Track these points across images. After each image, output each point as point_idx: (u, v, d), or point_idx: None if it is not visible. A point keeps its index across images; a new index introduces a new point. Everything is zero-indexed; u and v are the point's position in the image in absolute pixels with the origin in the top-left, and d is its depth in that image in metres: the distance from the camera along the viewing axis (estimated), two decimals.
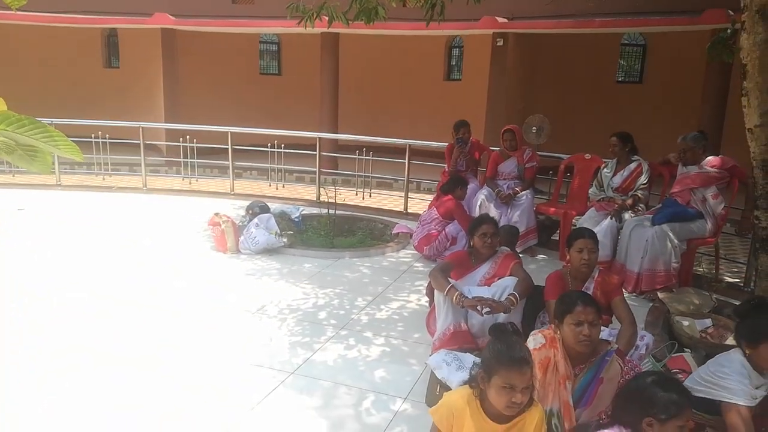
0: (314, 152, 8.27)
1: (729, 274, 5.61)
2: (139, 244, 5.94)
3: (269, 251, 5.71)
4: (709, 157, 4.93)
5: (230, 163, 8.53)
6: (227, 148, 8.54)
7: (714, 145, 7.78)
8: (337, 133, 10.79)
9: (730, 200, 4.95)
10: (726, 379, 2.44)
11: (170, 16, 10.91)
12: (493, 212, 5.85)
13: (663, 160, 5.40)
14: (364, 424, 2.98)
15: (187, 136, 9.61)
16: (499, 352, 2.13)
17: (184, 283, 4.92)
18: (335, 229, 6.26)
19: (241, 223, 5.94)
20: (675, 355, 3.33)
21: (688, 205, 4.85)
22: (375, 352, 3.78)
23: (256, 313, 4.34)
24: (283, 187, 9.62)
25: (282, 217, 6.16)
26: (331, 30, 9.59)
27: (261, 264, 5.49)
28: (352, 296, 4.72)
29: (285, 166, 9.70)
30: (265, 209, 6.11)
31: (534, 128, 9.04)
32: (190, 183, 9.61)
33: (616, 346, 2.73)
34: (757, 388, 2.45)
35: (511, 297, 3.38)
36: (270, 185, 9.62)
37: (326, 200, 6.32)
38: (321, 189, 7.85)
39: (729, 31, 4.54)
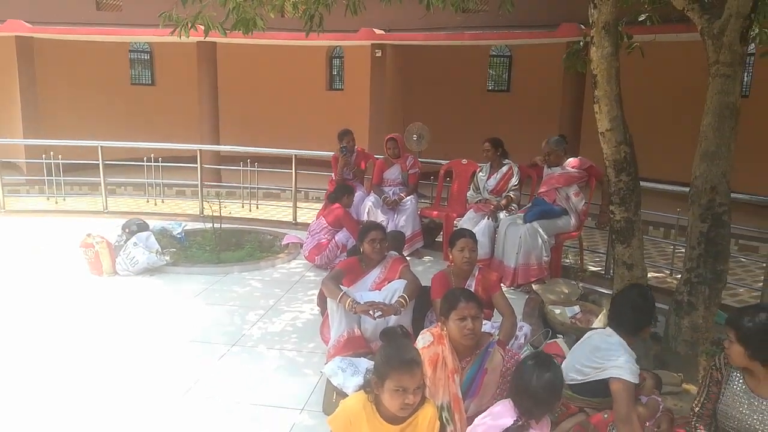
0: (195, 165, 7.97)
1: (592, 263, 6.20)
2: (2, 272, 5.38)
3: (150, 271, 5.42)
4: (570, 159, 5.43)
5: (102, 179, 7.96)
6: (98, 164, 7.97)
7: (573, 147, 8.55)
8: (219, 145, 10.48)
9: (589, 197, 5.48)
10: (617, 359, 2.61)
11: (25, 23, 9.99)
12: (381, 218, 6.01)
13: (530, 162, 5.86)
14: None
15: (51, 152, 8.86)
16: (389, 356, 2.20)
17: (58, 312, 4.53)
18: (222, 244, 6.07)
19: (117, 243, 5.58)
20: (549, 341, 3.63)
21: (555, 203, 5.30)
22: (269, 365, 3.73)
23: (141, 338, 4.10)
24: (163, 202, 9.17)
25: (163, 234, 5.88)
26: (207, 39, 9.33)
27: (142, 285, 5.20)
28: (243, 311, 4.62)
29: (164, 181, 9.24)
30: (144, 227, 5.79)
31: (415, 136, 9.41)
32: (56, 203, 8.87)
33: (498, 337, 2.93)
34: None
35: (401, 299, 3.49)
36: (148, 201, 9.12)
37: (210, 214, 6.11)
38: (204, 203, 7.58)
39: (581, 43, 5.00)
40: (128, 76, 12.85)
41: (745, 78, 9.72)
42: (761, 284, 4.86)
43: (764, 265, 4.81)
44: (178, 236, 6.09)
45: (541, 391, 2.22)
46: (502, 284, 4.05)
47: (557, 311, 4.20)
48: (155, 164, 8.96)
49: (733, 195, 3.66)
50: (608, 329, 2.80)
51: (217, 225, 6.12)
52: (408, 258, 5.40)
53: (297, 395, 3.35)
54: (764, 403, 2.28)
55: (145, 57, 13.08)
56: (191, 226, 6.78)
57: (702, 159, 3.62)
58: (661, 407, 2.79)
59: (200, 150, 8.02)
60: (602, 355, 2.67)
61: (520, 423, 2.17)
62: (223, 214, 6.32)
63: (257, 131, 12.18)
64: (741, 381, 2.38)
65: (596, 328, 3.40)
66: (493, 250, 5.35)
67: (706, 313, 3.62)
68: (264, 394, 3.37)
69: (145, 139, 9.39)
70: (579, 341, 2.95)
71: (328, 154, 6.96)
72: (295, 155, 7.67)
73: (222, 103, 11.03)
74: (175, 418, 3.11)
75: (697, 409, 2.50)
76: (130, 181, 9.66)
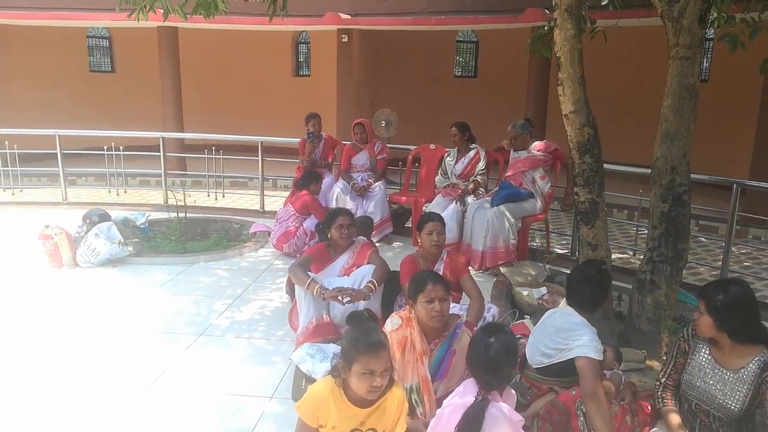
0: (158, 153, 7.78)
1: (559, 246, 6.30)
2: None
3: (113, 262, 5.28)
4: (536, 142, 5.47)
5: (60, 169, 7.72)
6: (56, 153, 7.72)
7: (540, 131, 8.64)
8: (183, 132, 10.26)
9: (554, 180, 5.54)
10: (581, 338, 2.65)
11: None
12: (349, 204, 5.97)
13: (497, 146, 5.89)
14: (230, 429, 2.90)
15: (6, 142, 8.54)
16: (356, 340, 2.17)
17: (18, 305, 4.39)
18: (187, 233, 5.95)
19: (77, 235, 5.42)
20: (517, 322, 3.67)
21: (521, 187, 5.34)
22: (238, 354, 3.68)
23: (104, 330, 4.00)
24: (125, 192, 8.95)
25: (125, 225, 5.72)
26: (168, 24, 9.10)
27: (105, 276, 5.07)
28: (209, 301, 4.54)
29: (126, 170, 9.02)
30: (105, 217, 5.64)
31: (383, 122, 9.38)
32: (13, 194, 8.56)
33: (465, 318, 2.94)
34: None
35: (369, 284, 3.48)
36: (110, 191, 8.89)
37: (175, 203, 5.98)
38: (168, 192, 7.41)
39: (546, 28, 5.02)
40: (87, 63, 12.46)
41: (705, 63, 9.96)
42: (720, 263, 5.00)
43: (723, 244, 4.95)
44: (142, 226, 5.95)
45: (493, 360, 2.23)
46: (470, 267, 4.07)
47: (525, 293, 4.25)
48: (116, 153, 8.73)
49: (692, 176, 3.74)
50: (568, 308, 2.83)
51: (181, 214, 6.00)
52: (377, 244, 5.38)
53: (266, 383, 3.32)
54: (727, 373, 2.35)
55: (104, 43, 12.70)
56: (155, 216, 6.63)
57: (663, 140, 3.68)
58: (623, 380, 2.85)
59: (162, 138, 7.83)
60: (567, 335, 2.69)
61: (480, 399, 2.18)
62: (188, 204, 6.20)
63: (222, 118, 11.96)
64: (707, 352, 2.44)
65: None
66: (461, 234, 5.37)
67: (668, 290, 3.71)
68: (232, 383, 3.33)
69: (105, 128, 9.13)
70: (539, 322, 2.97)
71: (295, 140, 6.88)
72: (262, 142, 7.56)
73: (185, 90, 10.79)
74: (141, 410, 3.04)
75: (664, 379, 2.56)
76: (91, 171, 9.40)
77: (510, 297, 4.36)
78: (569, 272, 3.04)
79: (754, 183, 5.90)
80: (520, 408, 2.61)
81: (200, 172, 9.22)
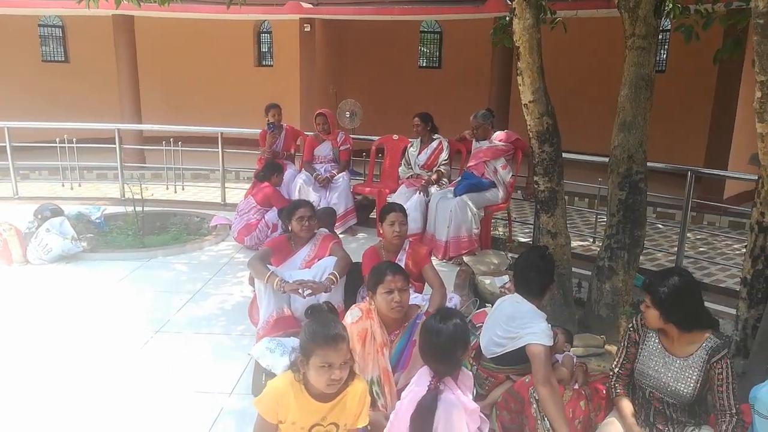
0: (115, 146, 7.55)
1: (522, 234, 6.36)
2: None
3: (66, 258, 5.10)
4: (497, 132, 5.50)
5: (10, 163, 7.42)
6: (5, 146, 7.41)
7: (503, 121, 8.71)
8: (140, 124, 9.98)
9: (516, 169, 5.58)
10: (531, 326, 2.67)
11: None
12: (313, 196, 5.90)
13: (459, 137, 5.90)
14: (187, 427, 2.83)
15: None
16: (313, 333, 2.13)
17: None
18: (145, 228, 5.79)
19: (27, 230, 5.21)
20: (478, 311, 3.68)
21: (483, 177, 5.37)
22: (196, 350, 3.60)
23: (57, 328, 3.86)
24: (80, 186, 8.67)
25: (79, 220, 5.53)
26: (122, 12, 8.81)
27: (57, 273, 4.89)
28: (167, 296, 4.42)
29: (81, 163, 8.73)
30: (58, 212, 5.43)
31: (347, 113, 9.32)
32: None
33: (426, 307, 2.93)
34: None
35: (331, 276, 3.43)
36: (63, 185, 8.59)
37: (132, 197, 5.80)
38: (126, 185, 7.20)
39: (507, 18, 5.03)
40: (39, 52, 11.98)
41: (663, 54, 10.18)
42: (677, 248, 5.13)
43: (679, 230, 5.07)
44: (97, 221, 5.76)
45: (444, 346, 2.22)
46: (433, 257, 4.07)
47: (487, 281, 4.28)
48: (70, 146, 8.44)
49: (649, 164, 3.81)
50: (517, 296, 2.85)
51: (139, 208, 5.83)
52: (342, 235, 5.35)
53: (225, 379, 3.25)
54: (677, 361, 2.39)
55: (58, 32, 12.23)
56: (112, 210, 6.43)
57: (620, 129, 3.74)
58: (574, 361, 2.89)
59: (118, 129, 7.59)
60: (517, 324, 2.71)
61: (432, 387, 2.17)
62: (146, 197, 6.03)
63: (182, 110, 11.67)
64: (656, 341, 2.48)
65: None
66: (425, 224, 5.37)
67: (625, 276, 3.78)
68: (190, 379, 3.25)
69: (59, 119, 8.81)
70: (491, 312, 2.98)
71: (255, 131, 6.76)
72: (222, 133, 7.41)
73: (143, 80, 10.49)
74: (97, 409, 2.94)
75: (617, 369, 2.59)
76: (45, 165, 9.06)
77: (473, 286, 4.38)
78: (515, 261, 3.05)
79: (708, 170, 6.06)
80: (479, 398, 2.63)
81: (159, 164, 9.00)
